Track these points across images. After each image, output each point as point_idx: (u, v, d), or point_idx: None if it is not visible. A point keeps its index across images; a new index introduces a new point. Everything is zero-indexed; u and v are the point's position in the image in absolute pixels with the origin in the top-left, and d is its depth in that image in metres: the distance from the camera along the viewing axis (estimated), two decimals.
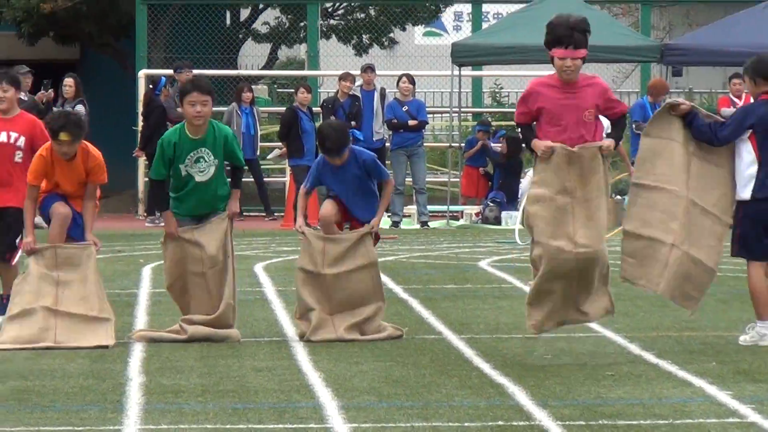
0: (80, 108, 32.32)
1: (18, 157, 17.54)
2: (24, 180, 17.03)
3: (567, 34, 13.57)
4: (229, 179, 16.28)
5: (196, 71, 34.84)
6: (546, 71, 36.82)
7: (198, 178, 15.56)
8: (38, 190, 16.72)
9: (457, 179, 37.51)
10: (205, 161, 15.55)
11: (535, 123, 13.96)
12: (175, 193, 15.81)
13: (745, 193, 15.56)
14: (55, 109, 31.66)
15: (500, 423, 12.19)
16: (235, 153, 15.95)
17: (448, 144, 39.21)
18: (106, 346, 16.33)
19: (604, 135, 14.03)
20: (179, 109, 33.68)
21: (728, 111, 36.90)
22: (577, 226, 13.48)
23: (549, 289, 13.84)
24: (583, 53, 13.63)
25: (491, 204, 35.21)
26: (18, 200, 17.29)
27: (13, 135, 17.58)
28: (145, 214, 35.40)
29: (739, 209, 15.78)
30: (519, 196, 32.05)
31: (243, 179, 16.93)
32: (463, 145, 38.39)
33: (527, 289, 20.91)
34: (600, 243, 13.62)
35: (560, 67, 13.75)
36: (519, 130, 14.35)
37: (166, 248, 15.95)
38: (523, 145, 14.57)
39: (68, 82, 33.21)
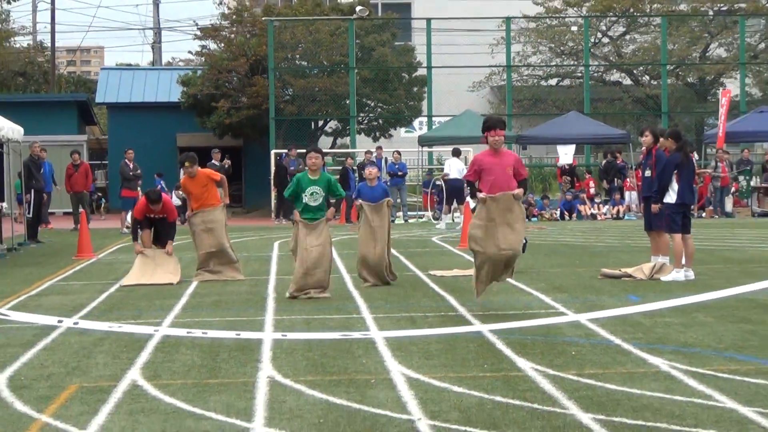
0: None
1: None
2: None
3: (496, 122, 12.34)
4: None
5: (298, 150, 34.92)
6: (463, 148, 36.91)
7: (311, 203, 14.22)
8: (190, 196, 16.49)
9: (420, 199, 37.49)
10: (318, 194, 14.22)
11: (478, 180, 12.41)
12: (300, 210, 14.18)
13: None
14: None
15: (442, 314, 12.23)
16: (335, 189, 14.39)
17: (416, 183, 39.25)
18: (243, 280, 16.08)
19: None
20: (291, 168, 34.00)
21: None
22: (500, 237, 12.00)
23: (483, 270, 12.22)
24: (503, 133, 12.34)
25: (436, 211, 35.23)
26: None
27: None
28: (274, 218, 35.41)
29: None
30: (451, 209, 31.86)
31: None
32: (422, 184, 38.48)
33: (456, 250, 20.93)
34: (518, 246, 12.12)
35: (492, 141, 12.31)
36: (467, 183, 12.74)
37: (295, 228, 14.38)
38: (470, 192, 13.03)
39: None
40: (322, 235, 14.22)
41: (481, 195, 12.18)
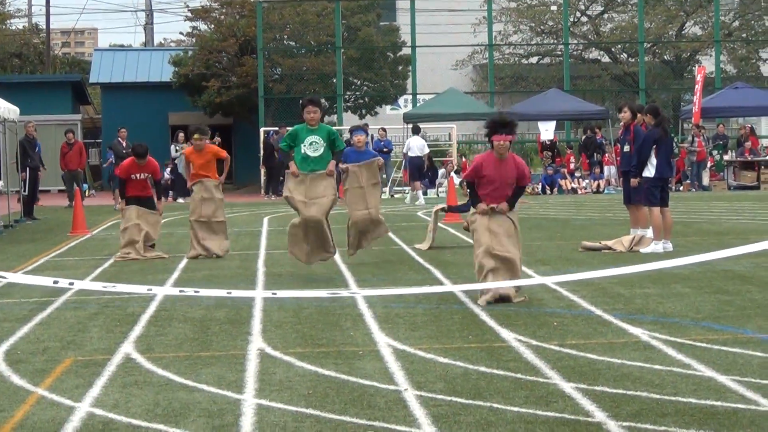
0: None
1: None
2: None
3: (502, 126, 10.99)
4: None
5: (289, 128, 34.84)
6: (443, 125, 36.68)
7: (310, 153, 13.12)
8: (191, 165, 16.36)
9: (401, 174, 37.47)
10: (317, 143, 13.13)
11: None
12: (298, 163, 13.08)
13: None
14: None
15: (428, 285, 12.20)
16: (336, 140, 13.30)
17: (401, 159, 39.12)
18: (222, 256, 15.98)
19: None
20: (281, 144, 33.87)
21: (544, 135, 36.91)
22: (496, 239, 10.82)
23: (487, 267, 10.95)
24: (511, 138, 11.08)
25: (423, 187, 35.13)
26: None
27: None
28: (263, 193, 35.29)
29: None
30: (436, 184, 31.72)
31: None
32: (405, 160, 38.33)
33: (440, 225, 20.84)
34: (514, 249, 11.02)
35: (497, 146, 10.99)
36: (466, 184, 11.63)
37: (288, 181, 13.47)
38: (470, 196, 11.79)
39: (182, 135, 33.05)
40: (328, 187, 13.17)
41: (482, 206, 11.10)
